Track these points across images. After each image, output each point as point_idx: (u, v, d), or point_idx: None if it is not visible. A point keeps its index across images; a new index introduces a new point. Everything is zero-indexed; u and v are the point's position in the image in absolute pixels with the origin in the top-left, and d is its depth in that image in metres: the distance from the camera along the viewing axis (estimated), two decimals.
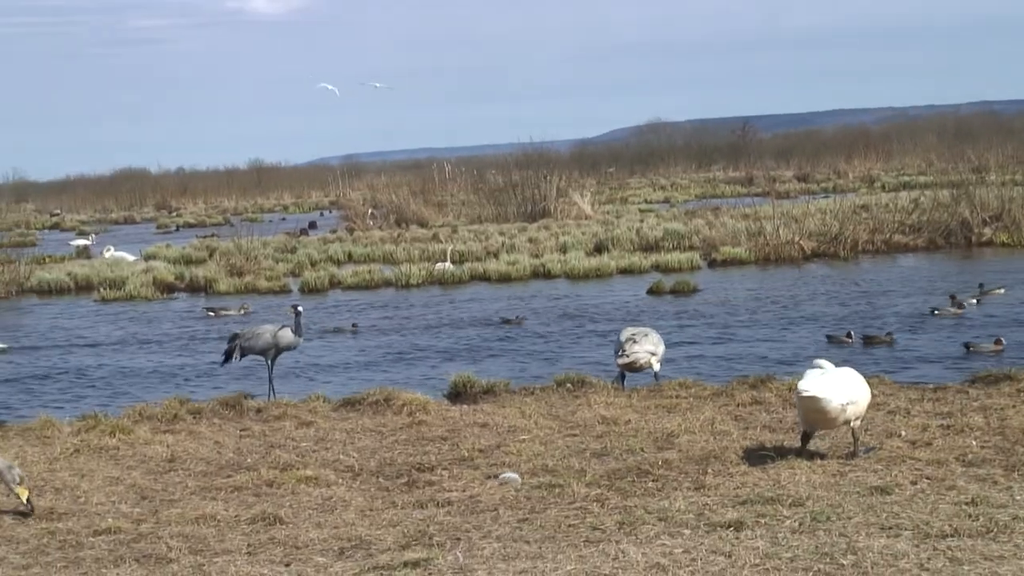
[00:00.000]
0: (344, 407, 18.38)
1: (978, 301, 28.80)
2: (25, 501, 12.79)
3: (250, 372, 23.74)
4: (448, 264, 41.92)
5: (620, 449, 14.73)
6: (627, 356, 18.92)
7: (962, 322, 26.27)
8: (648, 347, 19.00)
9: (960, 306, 27.56)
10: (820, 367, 13.92)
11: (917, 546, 10.33)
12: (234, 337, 21.29)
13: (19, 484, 12.80)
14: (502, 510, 12.28)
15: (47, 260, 54.37)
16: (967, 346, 22.74)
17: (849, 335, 24.32)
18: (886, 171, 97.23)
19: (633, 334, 19.25)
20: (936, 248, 42.29)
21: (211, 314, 34.35)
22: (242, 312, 34.30)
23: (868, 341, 24.01)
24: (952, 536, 10.57)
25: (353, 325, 30.25)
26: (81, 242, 65.06)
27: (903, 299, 30.33)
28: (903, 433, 14.75)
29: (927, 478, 12.61)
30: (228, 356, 21.28)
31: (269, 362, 21.01)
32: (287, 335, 20.75)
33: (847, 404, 13.43)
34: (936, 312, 27.34)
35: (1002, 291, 30.15)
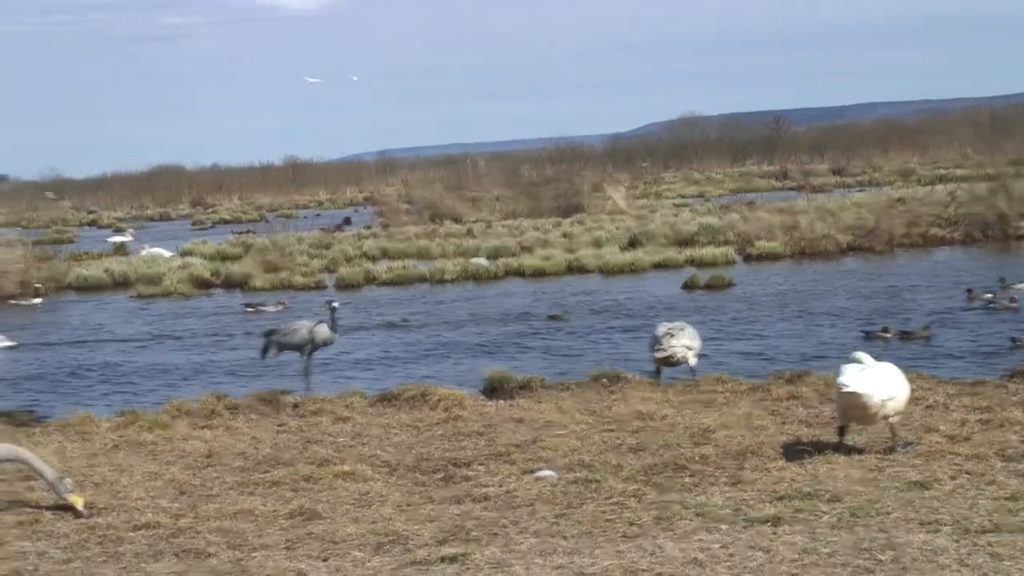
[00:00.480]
0: (380, 402, 18.40)
1: (993, 297, 28.49)
2: (82, 507, 12.81)
3: (287, 367, 23.78)
4: (483, 259, 41.97)
5: (656, 444, 14.72)
6: (664, 350, 18.88)
7: (1003, 316, 26.14)
8: (684, 341, 18.97)
9: (980, 299, 27.69)
10: (859, 361, 13.86)
11: (957, 541, 10.29)
12: (270, 332, 21.33)
13: (71, 493, 12.84)
14: (539, 505, 12.28)
15: (84, 256, 54.61)
16: (1014, 340, 22.61)
17: (886, 330, 24.09)
18: (922, 164, 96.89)
19: (669, 329, 19.22)
20: (973, 241, 42.08)
21: (249, 310, 34.41)
22: (279, 308, 34.37)
23: (905, 336, 23.83)
24: (992, 531, 10.52)
25: (403, 320, 30.08)
26: (119, 238, 65.34)
27: (938, 293, 30.20)
28: (942, 428, 14.69)
29: (966, 473, 12.56)
30: (265, 351, 21.34)
31: (305, 358, 21.05)
32: (323, 331, 20.78)
33: (887, 400, 13.38)
34: (992, 306, 27.24)
35: (1022, 285, 29.98)
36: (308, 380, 20.86)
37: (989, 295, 28.53)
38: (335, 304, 21.14)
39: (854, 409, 13.47)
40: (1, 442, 13.89)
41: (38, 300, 39.40)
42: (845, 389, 13.31)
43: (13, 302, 39.36)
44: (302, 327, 20.83)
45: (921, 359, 21.31)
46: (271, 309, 34.29)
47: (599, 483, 12.88)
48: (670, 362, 19.01)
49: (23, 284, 41.49)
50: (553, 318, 29.56)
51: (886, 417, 13.54)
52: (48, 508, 13.08)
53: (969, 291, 28.76)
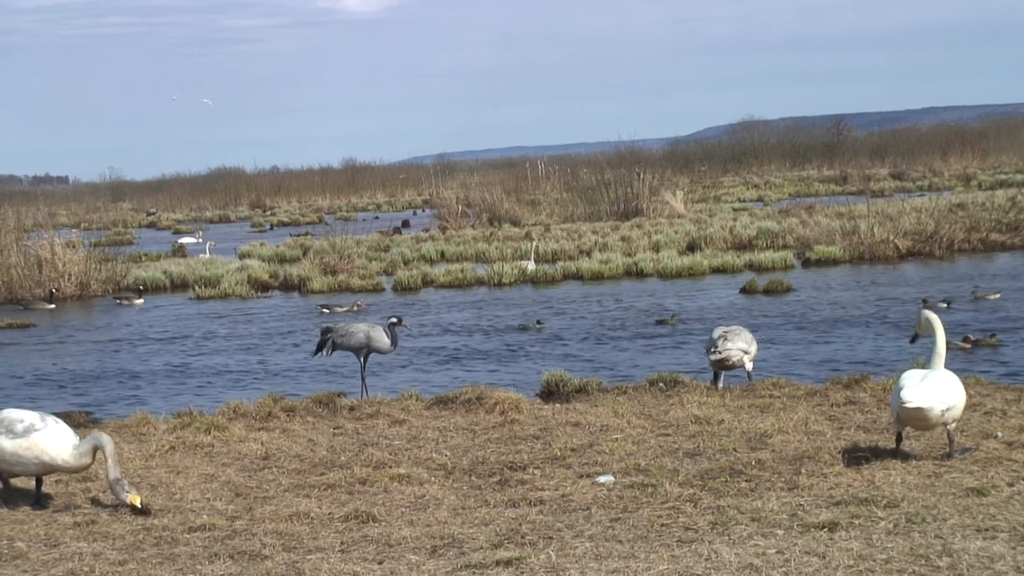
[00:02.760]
0: (437, 405, 18.42)
1: (949, 304, 28.86)
2: (140, 506, 12.89)
3: (343, 370, 23.85)
4: (531, 263, 41.95)
5: (713, 449, 14.67)
6: (719, 352, 18.79)
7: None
8: (741, 344, 18.87)
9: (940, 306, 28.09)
10: (917, 369, 13.75)
11: (1014, 548, 10.21)
12: (327, 331, 21.26)
13: (129, 494, 12.91)
14: (594, 509, 12.25)
15: (143, 258, 54.99)
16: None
17: (967, 339, 23.53)
18: (983, 169, 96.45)
19: (725, 331, 19.14)
20: None
21: (326, 311, 34.52)
22: (356, 309, 34.50)
23: (975, 343, 23.48)
24: None
25: (537, 322, 29.81)
26: (189, 239, 65.92)
27: (1003, 300, 30.00)
28: (999, 434, 14.58)
29: None
30: (320, 348, 21.30)
31: (362, 360, 20.98)
32: (380, 337, 20.64)
33: (946, 410, 13.28)
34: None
35: (997, 296, 29.85)
36: (364, 383, 20.83)
37: (944, 303, 28.98)
38: (394, 320, 21.02)
39: (915, 421, 13.39)
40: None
41: (52, 305, 39.61)
42: (908, 404, 13.20)
43: (23, 305, 39.60)
44: (359, 330, 20.70)
45: (984, 364, 21.15)
46: (347, 310, 34.40)
47: (655, 487, 12.85)
48: (725, 365, 18.91)
49: (82, 286, 41.81)
50: (662, 322, 29.09)
51: (944, 424, 13.45)
52: (104, 509, 13.16)
53: (924, 300, 29.34)
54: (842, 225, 44.17)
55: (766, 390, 18.13)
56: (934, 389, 13.33)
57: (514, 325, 30.09)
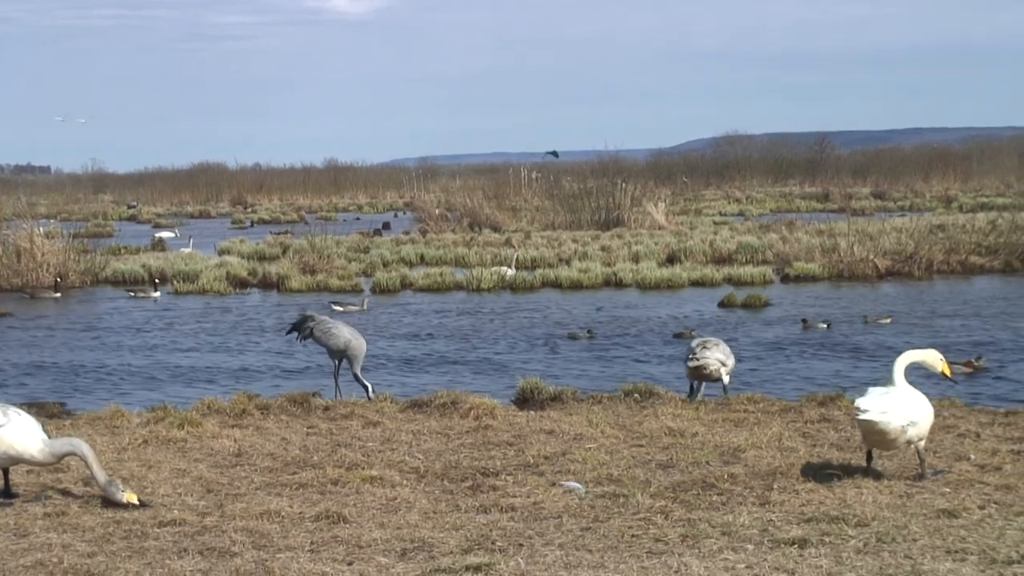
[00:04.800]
0: (411, 408, 18.42)
1: (829, 326, 29.22)
2: (136, 501, 12.86)
3: (318, 371, 23.83)
4: (509, 269, 41.96)
5: (686, 461, 14.68)
6: (696, 360, 18.76)
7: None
8: (718, 355, 18.87)
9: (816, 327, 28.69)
10: (891, 383, 13.74)
11: (983, 571, 10.24)
12: (309, 318, 20.86)
13: (124, 493, 12.88)
14: (565, 518, 12.25)
15: (123, 251, 54.89)
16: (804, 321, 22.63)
17: (969, 364, 23.04)
18: (964, 191, 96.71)
19: (704, 341, 19.17)
20: (1013, 271, 41.88)
21: (338, 308, 34.51)
22: (366, 307, 34.60)
23: (975, 367, 23.27)
24: (1019, 563, 10.45)
25: (588, 331, 29.40)
26: (167, 234, 65.82)
27: (979, 321, 30.06)
28: (972, 457, 14.61)
29: (995, 503, 12.48)
30: (295, 328, 20.99)
31: (336, 363, 20.77)
32: (359, 347, 20.36)
33: (907, 426, 13.25)
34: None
35: (888, 320, 29.96)
36: (337, 384, 20.69)
37: (824, 324, 29.23)
38: None
39: (873, 435, 13.37)
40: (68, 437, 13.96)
41: (57, 294, 39.57)
42: (861, 416, 13.22)
43: (29, 294, 39.55)
44: (342, 334, 20.29)
45: (963, 387, 21.17)
46: (357, 308, 34.60)
47: (627, 498, 12.85)
48: (702, 373, 18.89)
49: (61, 276, 41.71)
50: (679, 336, 28.77)
51: (909, 442, 13.43)
52: (75, 500, 13.13)
53: (804, 320, 29.64)
54: (822, 242, 44.23)
55: (741, 404, 18.16)
56: (893, 403, 13.30)
57: (491, 330, 30.08)
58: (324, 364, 23.55)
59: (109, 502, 12.91)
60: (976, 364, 23.16)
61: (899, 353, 14.11)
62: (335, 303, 35.39)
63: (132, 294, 39.57)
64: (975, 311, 31.97)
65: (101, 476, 12.95)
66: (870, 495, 12.79)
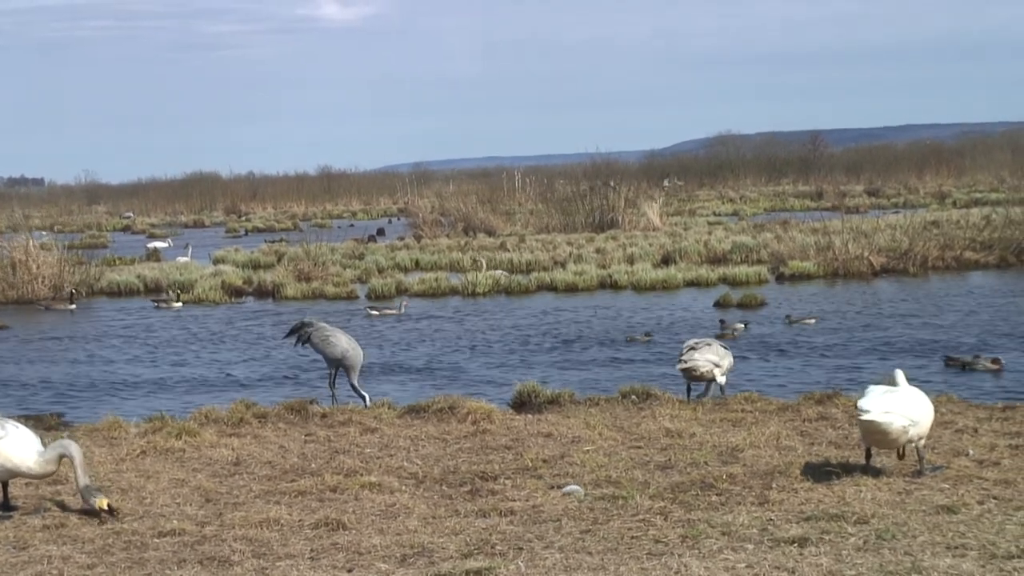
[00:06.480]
0: (409, 414, 18.41)
1: (746, 326, 29.26)
2: (106, 507, 12.85)
3: (316, 377, 23.80)
4: (502, 272, 42.08)
5: (684, 462, 14.68)
6: (684, 362, 18.82)
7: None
8: (710, 356, 18.87)
9: (733, 332, 28.29)
10: (893, 382, 13.76)
11: (983, 567, 10.24)
12: (307, 324, 20.79)
13: (96, 498, 12.86)
14: (565, 521, 12.24)
15: (118, 262, 54.83)
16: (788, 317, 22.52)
17: (996, 360, 22.80)
18: (958, 187, 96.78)
19: (696, 343, 19.19)
20: (1008, 266, 41.91)
21: (374, 312, 34.59)
22: (403, 310, 34.99)
23: (952, 362, 23.31)
24: (1018, 557, 10.46)
25: (646, 334, 29.08)
26: (160, 244, 65.74)
27: (974, 317, 30.07)
28: (970, 452, 14.62)
29: (994, 498, 12.49)
30: (292, 332, 20.97)
31: (332, 371, 20.72)
32: (356, 358, 20.31)
33: (908, 425, 13.26)
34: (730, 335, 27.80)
35: (812, 321, 30.00)
36: (333, 391, 20.65)
37: (741, 325, 29.17)
38: None
39: (874, 435, 13.38)
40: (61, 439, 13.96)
41: (73, 306, 39.49)
42: (863, 416, 13.23)
43: (44, 306, 39.50)
44: (340, 343, 20.20)
45: (958, 381, 21.19)
46: (395, 312, 34.95)
47: (626, 500, 12.85)
48: (693, 375, 18.92)
49: (55, 288, 41.63)
50: (721, 335, 28.63)
51: (910, 441, 13.44)
52: (74, 513, 13.12)
53: (723, 321, 29.61)
54: (816, 241, 44.24)
55: (738, 404, 18.16)
56: (894, 402, 13.31)
57: (487, 334, 30.08)
58: (322, 371, 23.55)
59: (84, 507, 12.94)
60: (992, 364, 23.04)
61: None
62: (371, 307, 35.55)
63: (156, 305, 39.35)
64: (972, 308, 31.96)
65: (83, 479, 12.93)
66: (869, 492, 12.79)
